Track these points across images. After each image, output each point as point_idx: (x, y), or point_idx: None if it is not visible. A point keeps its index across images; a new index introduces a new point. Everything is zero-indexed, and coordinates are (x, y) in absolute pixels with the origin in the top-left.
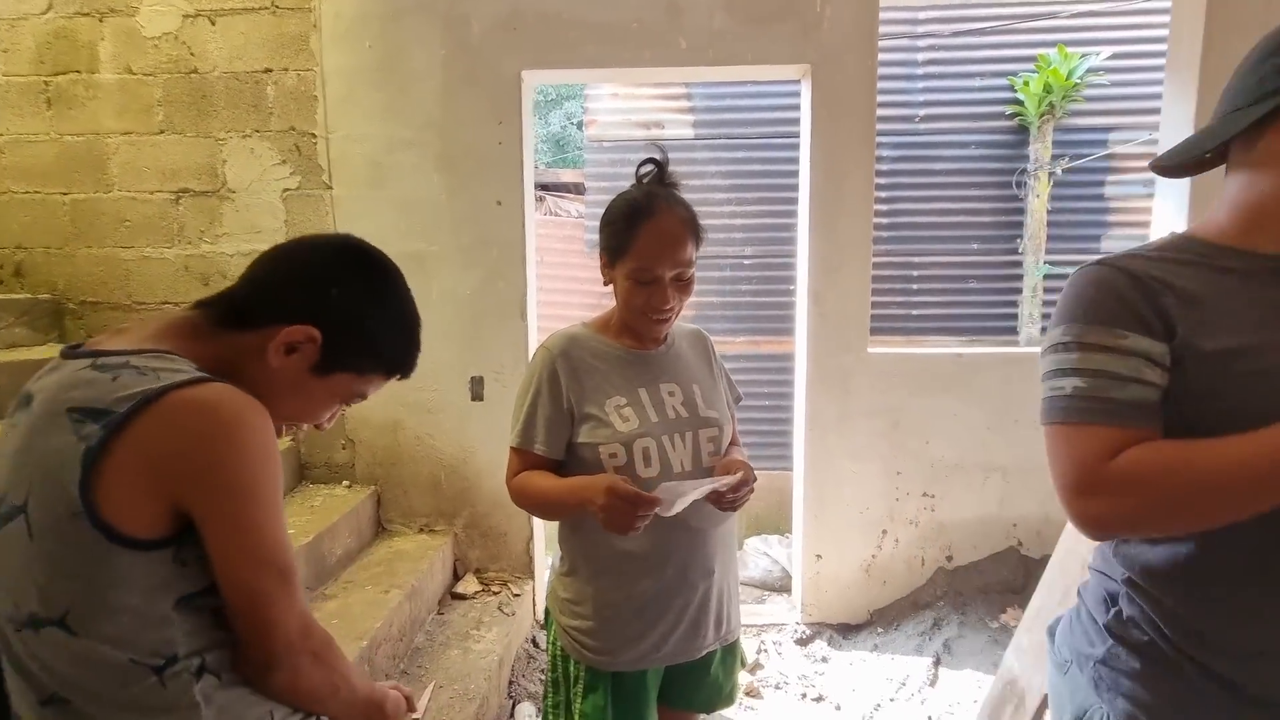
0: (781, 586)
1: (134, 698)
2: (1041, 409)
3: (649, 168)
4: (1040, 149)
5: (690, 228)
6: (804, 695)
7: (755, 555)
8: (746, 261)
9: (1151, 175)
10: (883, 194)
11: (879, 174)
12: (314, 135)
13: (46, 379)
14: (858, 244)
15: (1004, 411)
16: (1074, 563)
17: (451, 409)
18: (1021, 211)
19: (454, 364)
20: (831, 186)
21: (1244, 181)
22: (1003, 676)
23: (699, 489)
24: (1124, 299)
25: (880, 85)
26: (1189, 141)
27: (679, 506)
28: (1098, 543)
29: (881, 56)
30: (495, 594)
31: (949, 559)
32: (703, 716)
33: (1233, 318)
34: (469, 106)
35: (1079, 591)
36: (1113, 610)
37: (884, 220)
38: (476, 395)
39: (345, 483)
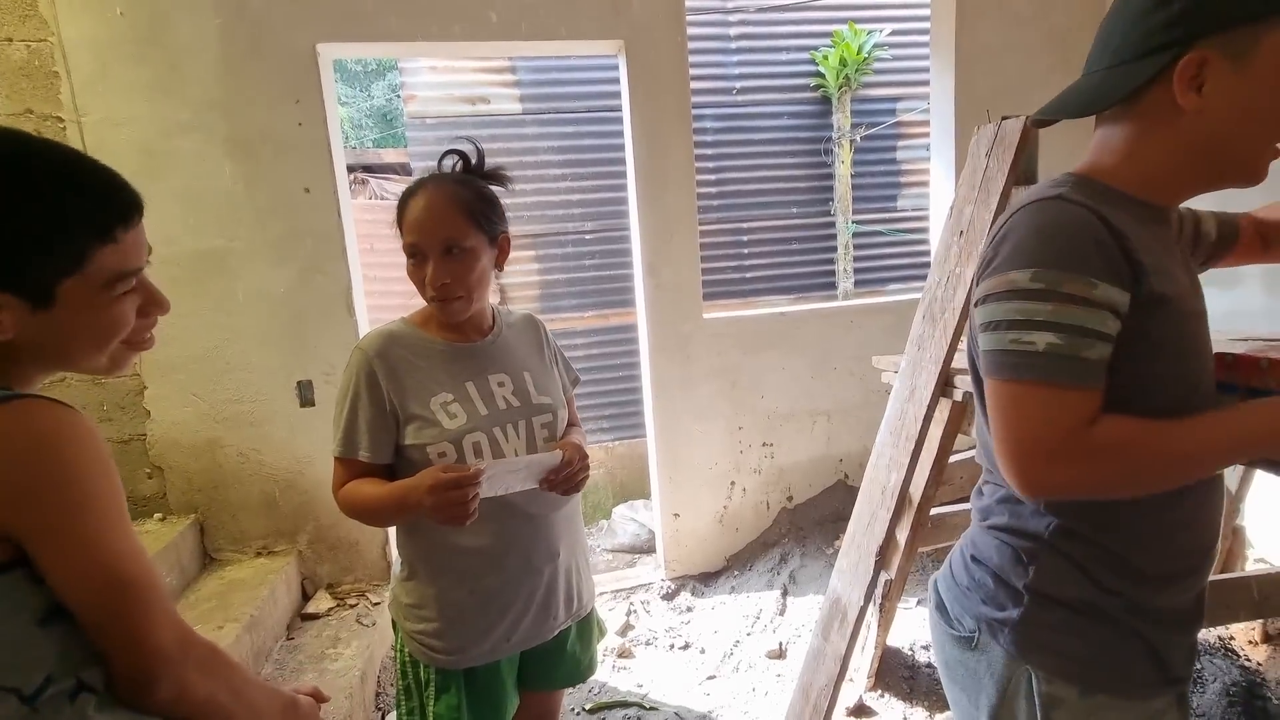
0: (649, 548)
1: None
2: (997, 361)
3: (452, 159)
4: (841, 118)
5: (459, 201)
6: (672, 646)
7: (623, 522)
8: (588, 236)
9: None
10: (709, 164)
11: (704, 145)
12: (60, 119)
13: None
14: (684, 214)
15: (824, 361)
16: (875, 490)
17: (278, 419)
18: (831, 176)
19: (276, 370)
20: (655, 160)
21: (1130, 132)
22: (829, 597)
23: (524, 466)
24: (1100, 243)
25: (697, 59)
26: (1077, 99)
27: (502, 488)
28: (991, 499)
29: (697, 31)
30: (352, 607)
31: (789, 499)
32: (568, 690)
33: (1161, 260)
34: (257, 83)
35: (971, 556)
36: (1031, 568)
37: (712, 189)
38: (306, 401)
39: (157, 516)
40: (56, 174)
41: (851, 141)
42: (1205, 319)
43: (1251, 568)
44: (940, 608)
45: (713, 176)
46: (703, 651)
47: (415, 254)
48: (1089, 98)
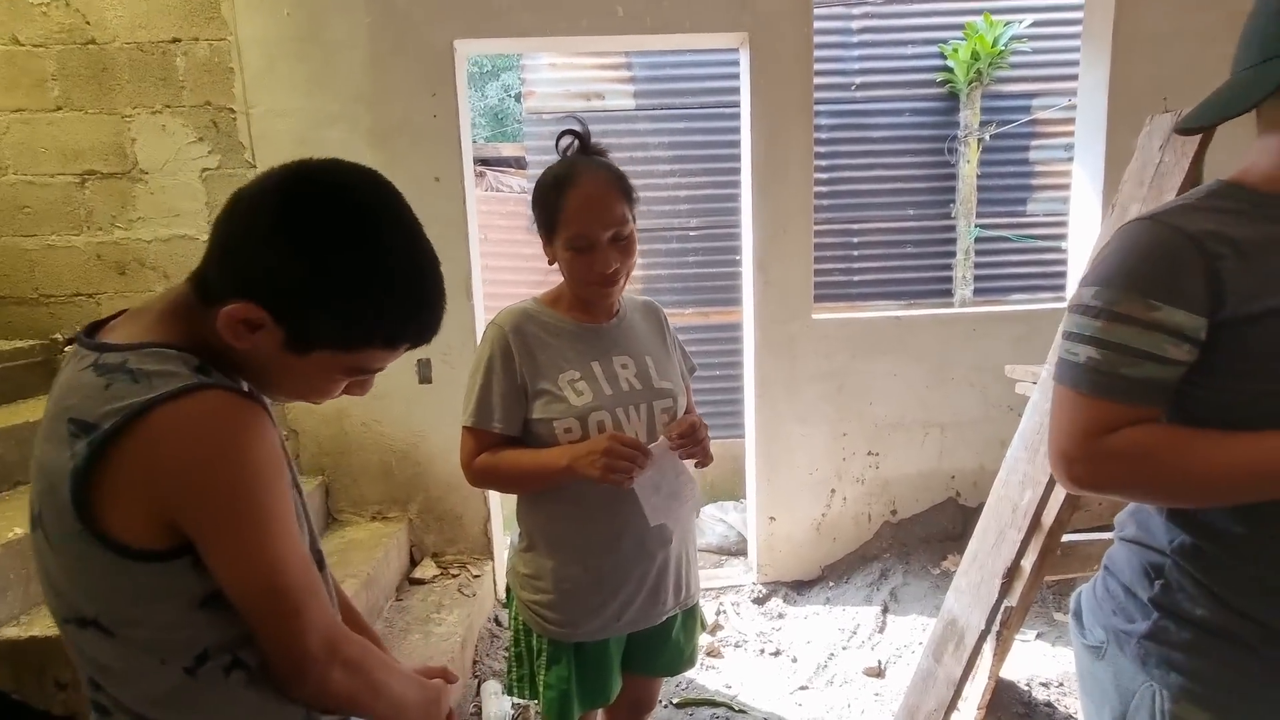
0: (738, 550)
1: (168, 694)
2: (1056, 366)
3: (568, 140)
4: (969, 115)
5: (618, 186)
6: (762, 651)
7: (712, 523)
8: (693, 233)
9: (1070, 139)
10: (822, 162)
11: (818, 142)
12: (232, 110)
13: (62, 373)
14: (799, 212)
15: (940, 370)
16: (1005, 508)
17: (398, 393)
18: (953, 177)
19: None
20: (772, 155)
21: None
22: (944, 617)
23: (676, 479)
24: (1172, 266)
25: (817, 54)
26: (1220, 101)
27: (650, 487)
28: (1127, 512)
29: (817, 25)
30: (454, 577)
31: (893, 513)
32: (665, 679)
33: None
34: (399, 78)
35: (1105, 566)
36: (1158, 583)
37: (824, 188)
38: (424, 378)
39: None
40: (405, 271)
41: (979, 140)
42: None
43: None
44: (1077, 615)
45: (825, 175)
46: (794, 660)
47: (583, 244)
48: (1231, 98)
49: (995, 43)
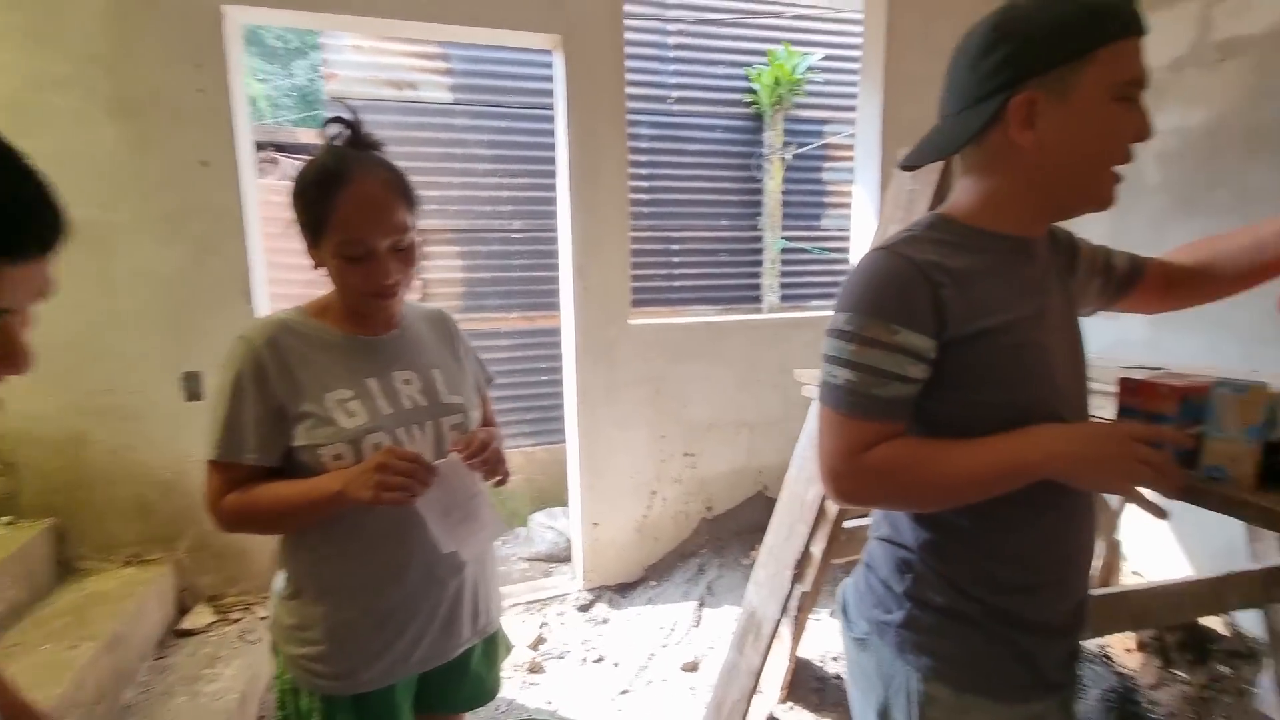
0: (567, 557)
1: None
2: (820, 388)
3: (337, 128)
4: (773, 136)
5: (398, 189)
6: (585, 660)
7: (541, 530)
8: (515, 235)
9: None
10: (643, 170)
11: (639, 151)
12: None
13: None
14: (616, 218)
15: (749, 373)
16: (795, 503)
17: (160, 413)
18: (761, 191)
19: (159, 359)
20: (588, 159)
21: (981, 171)
22: (745, 610)
23: (469, 503)
24: (905, 293)
25: (635, 64)
26: (930, 145)
27: (438, 509)
28: (879, 513)
29: (635, 37)
30: (235, 622)
31: (709, 509)
32: (467, 714)
33: (992, 296)
34: (151, 41)
35: (865, 563)
36: (908, 576)
37: (645, 196)
38: (193, 394)
39: (5, 519)
40: None
41: (782, 159)
42: (1052, 349)
43: (1126, 580)
44: (844, 609)
45: (645, 184)
46: (616, 665)
47: (358, 252)
48: (940, 142)
49: (794, 71)
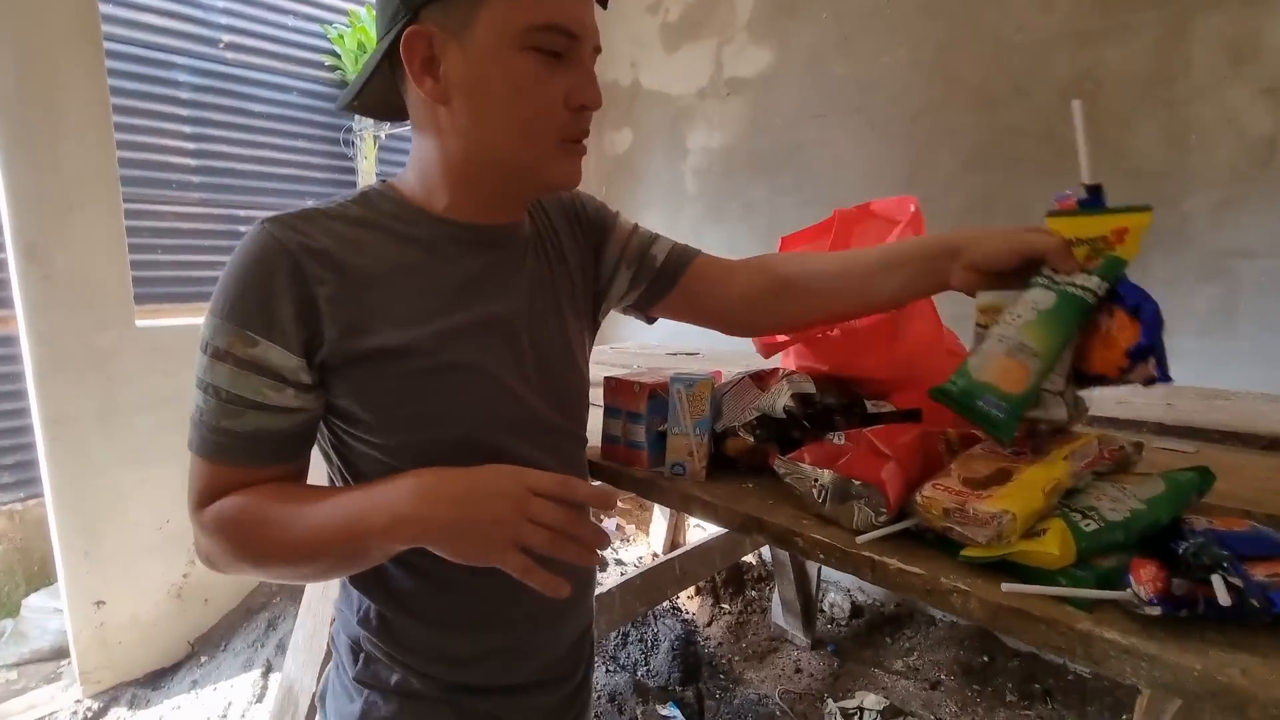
0: None
1: None
2: None
3: None
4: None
5: None
6: None
7: (41, 617)
8: None
9: None
10: (187, 129)
11: (178, 103)
12: None
13: None
14: (98, 183)
15: None
16: None
17: None
18: (355, 171)
19: None
20: (36, 97)
21: (415, 133)
22: (283, 683)
23: None
24: (266, 289)
25: None
26: (351, 89)
27: None
28: (340, 580)
29: None
30: None
31: None
32: None
33: (399, 305)
34: None
35: (331, 642)
36: (360, 657)
37: (193, 161)
38: None
39: None
40: None
41: (375, 137)
42: (499, 369)
43: (693, 535)
44: (322, 701)
45: (191, 145)
46: None
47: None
48: (349, 90)
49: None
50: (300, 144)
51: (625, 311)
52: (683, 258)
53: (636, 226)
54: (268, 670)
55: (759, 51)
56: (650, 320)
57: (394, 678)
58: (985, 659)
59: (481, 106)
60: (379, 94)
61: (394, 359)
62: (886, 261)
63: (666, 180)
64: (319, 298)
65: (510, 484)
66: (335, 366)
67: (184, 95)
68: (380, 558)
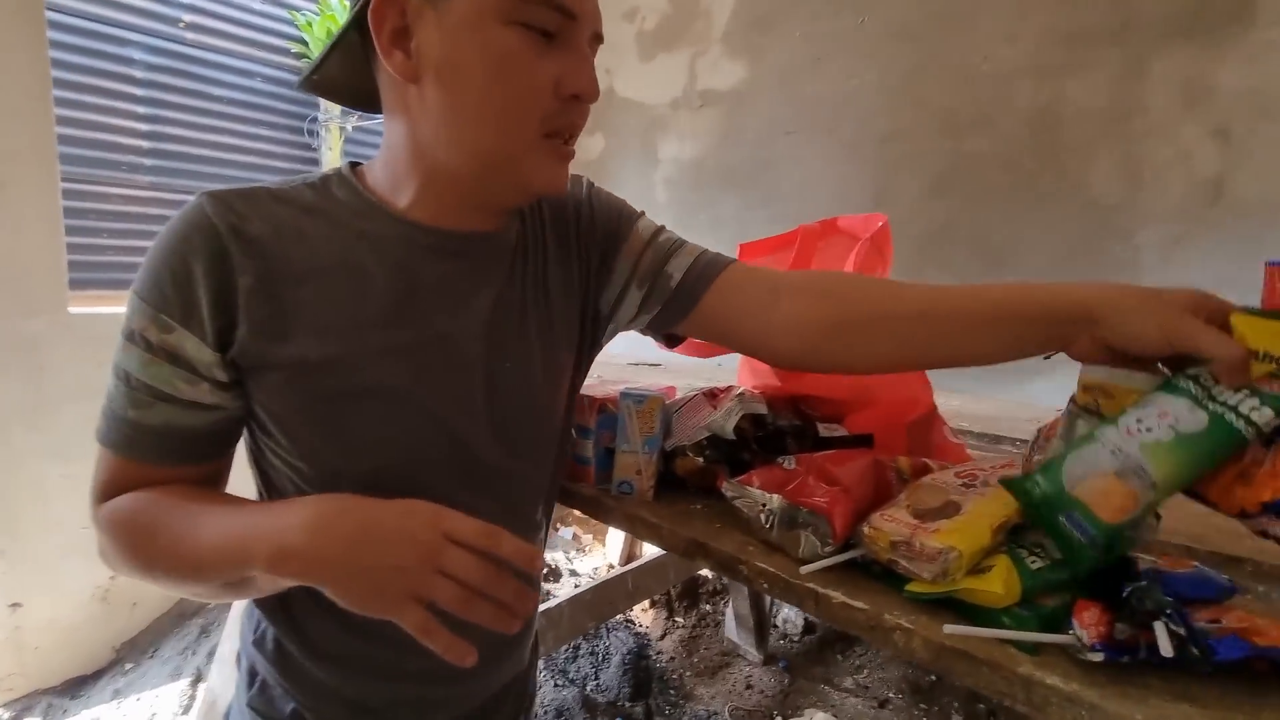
0: None
1: None
2: None
3: None
4: (330, 104)
5: None
6: None
7: None
8: None
9: None
10: (140, 109)
11: (132, 81)
12: None
13: None
14: (32, 160)
15: None
16: None
17: None
18: (319, 162)
19: None
20: None
21: (385, 118)
22: (207, 697)
23: None
24: (187, 270)
25: None
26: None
27: None
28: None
29: None
30: None
31: None
32: None
33: (338, 310)
34: None
35: (237, 658)
36: (257, 681)
37: (145, 143)
38: None
39: None
40: None
41: (341, 128)
42: (435, 396)
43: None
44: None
45: (143, 126)
46: None
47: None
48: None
49: None
50: (262, 131)
51: (642, 334)
52: (708, 271)
53: (658, 232)
54: (197, 680)
55: (733, 65)
56: (671, 344)
57: (289, 707)
58: (933, 678)
59: (456, 86)
60: (345, 72)
61: (306, 372)
62: (994, 314)
63: (637, 188)
64: (238, 288)
65: (422, 526)
66: (246, 368)
67: (139, 74)
68: (268, 589)
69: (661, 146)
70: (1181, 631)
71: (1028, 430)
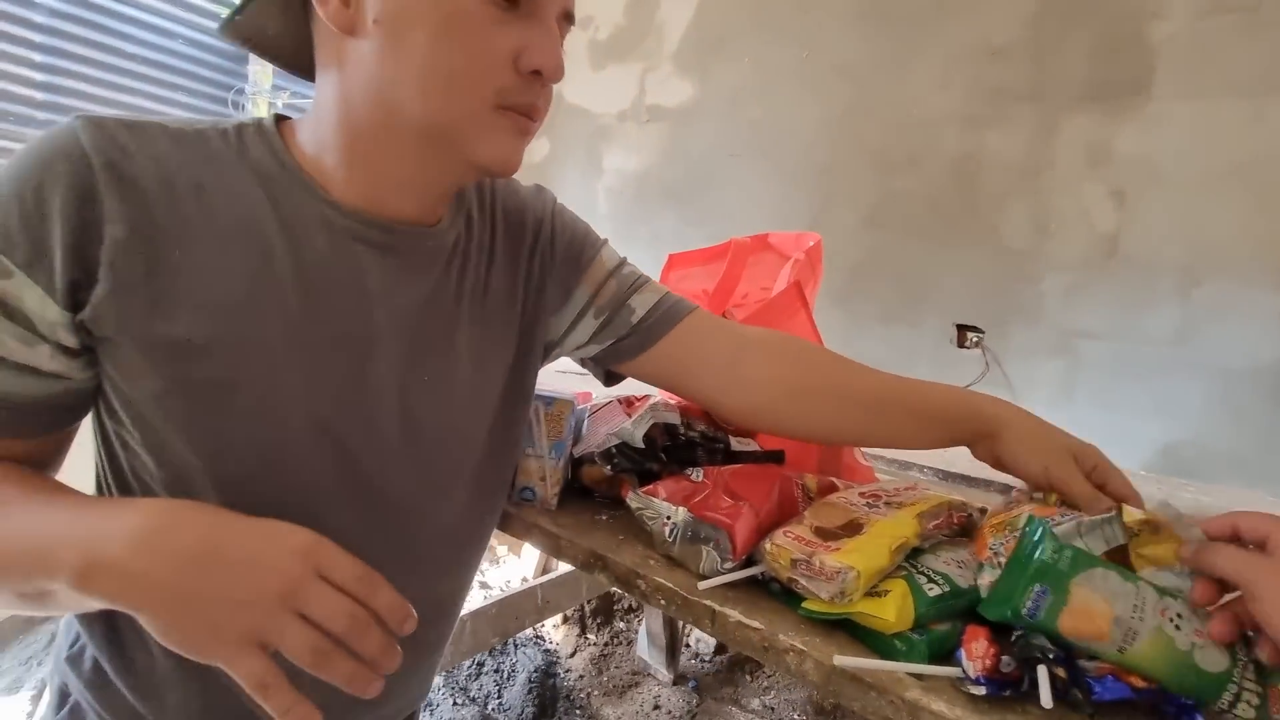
0: None
1: None
2: None
3: None
4: (260, 73)
5: None
6: None
7: None
8: None
9: None
10: (37, 57)
11: (33, 27)
12: None
13: None
14: None
15: None
16: None
17: None
18: None
19: None
20: None
21: (318, 77)
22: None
23: None
24: (46, 205)
25: None
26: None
27: None
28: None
29: None
30: None
31: None
32: None
33: (226, 287)
34: None
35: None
36: (68, 703)
37: (40, 95)
38: None
39: None
40: None
41: (271, 104)
42: (306, 407)
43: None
44: None
45: (40, 77)
46: None
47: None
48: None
49: None
50: (179, 97)
51: (582, 364)
52: (672, 314)
53: (622, 264)
54: (39, 695)
55: (682, 83)
56: (609, 381)
57: None
58: (835, 701)
59: (398, 42)
60: (276, 21)
61: (174, 352)
62: (929, 412)
63: (579, 196)
64: (104, 237)
65: (288, 554)
66: (100, 336)
67: (39, 19)
68: (72, 608)
69: (606, 156)
70: (1063, 674)
71: (935, 459)
